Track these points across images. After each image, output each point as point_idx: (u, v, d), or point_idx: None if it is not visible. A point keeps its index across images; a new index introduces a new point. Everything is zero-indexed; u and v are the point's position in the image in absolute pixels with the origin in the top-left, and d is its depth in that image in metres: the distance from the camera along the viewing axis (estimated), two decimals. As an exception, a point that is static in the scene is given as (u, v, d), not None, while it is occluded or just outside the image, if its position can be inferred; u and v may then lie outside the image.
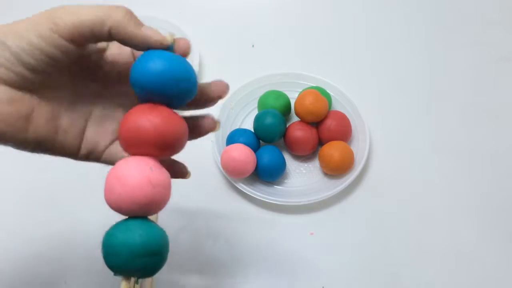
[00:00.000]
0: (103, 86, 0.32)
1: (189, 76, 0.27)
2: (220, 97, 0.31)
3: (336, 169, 0.54)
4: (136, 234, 0.25)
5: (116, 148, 0.32)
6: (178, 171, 0.34)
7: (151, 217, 0.28)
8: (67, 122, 0.30)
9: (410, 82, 0.65)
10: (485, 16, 0.73)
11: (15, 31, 0.26)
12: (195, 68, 0.64)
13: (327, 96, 0.58)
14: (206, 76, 0.66)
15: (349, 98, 0.59)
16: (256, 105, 0.60)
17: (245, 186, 0.52)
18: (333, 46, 0.70)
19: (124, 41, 0.27)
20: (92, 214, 0.53)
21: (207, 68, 0.67)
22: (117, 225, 0.26)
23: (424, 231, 0.51)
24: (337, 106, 0.60)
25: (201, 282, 0.48)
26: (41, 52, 0.26)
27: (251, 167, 0.52)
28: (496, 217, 0.52)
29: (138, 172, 0.25)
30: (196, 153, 0.55)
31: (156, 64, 0.25)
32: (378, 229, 0.52)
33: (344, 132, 0.56)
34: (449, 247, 0.50)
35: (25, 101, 0.27)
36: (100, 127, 0.32)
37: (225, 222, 0.53)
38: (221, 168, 0.53)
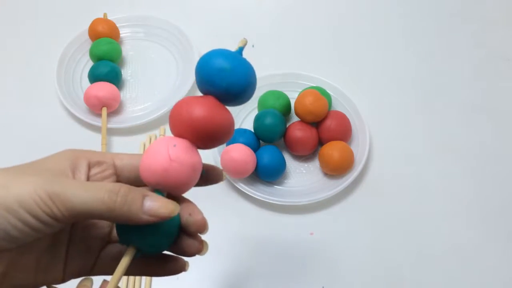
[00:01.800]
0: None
1: (251, 81, 0.28)
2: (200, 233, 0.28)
3: (336, 169, 0.54)
4: None
5: (102, 265, 0.29)
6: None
7: None
8: (45, 262, 0.27)
9: (410, 82, 0.65)
10: (485, 16, 0.73)
11: (4, 202, 0.22)
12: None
13: (327, 96, 0.58)
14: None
15: (349, 98, 0.59)
16: (256, 105, 0.60)
17: (245, 186, 0.52)
18: (333, 46, 0.70)
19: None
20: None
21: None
22: None
23: (424, 231, 0.51)
24: (337, 106, 0.60)
25: (200, 281, 0.48)
26: (28, 227, 0.23)
27: (251, 167, 0.52)
28: (496, 217, 0.52)
29: (161, 145, 0.27)
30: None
31: (224, 62, 0.27)
32: (378, 229, 0.52)
33: (344, 132, 0.56)
34: (449, 247, 0.50)
35: None
36: (81, 254, 0.29)
37: (225, 222, 0.53)
38: (221, 168, 0.53)
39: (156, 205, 0.24)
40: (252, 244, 0.51)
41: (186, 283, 0.48)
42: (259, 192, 0.52)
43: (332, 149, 0.53)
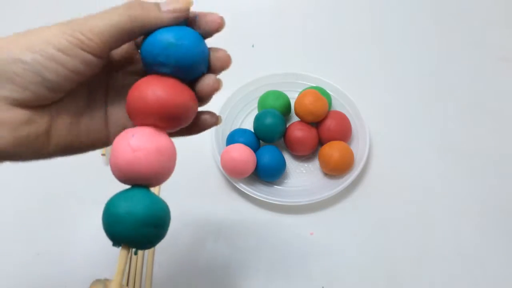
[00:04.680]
0: (112, 75, 0.30)
1: (197, 49, 0.28)
2: (223, 69, 0.30)
3: (336, 169, 0.54)
4: (140, 204, 0.25)
5: None
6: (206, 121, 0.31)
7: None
8: (88, 120, 0.28)
9: (410, 82, 0.65)
10: (485, 16, 0.73)
11: (32, 45, 0.23)
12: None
13: (327, 96, 0.58)
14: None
15: (349, 98, 0.59)
16: (256, 105, 0.60)
17: (245, 186, 0.52)
18: (333, 46, 0.70)
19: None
20: (92, 218, 0.53)
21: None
22: (120, 194, 0.26)
23: (424, 231, 0.51)
24: (337, 106, 0.60)
25: (201, 281, 0.48)
26: (64, 67, 0.23)
27: (251, 167, 0.52)
28: (497, 218, 0.52)
29: (121, 140, 0.26)
30: (196, 153, 0.56)
31: (163, 36, 0.27)
32: (378, 229, 0.52)
33: (344, 132, 0.56)
34: (449, 247, 0.50)
35: (43, 119, 0.25)
36: (121, 108, 0.30)
37: (225, 222, 0.53)
38: (221, 168, 0.53)
39: (170, 1, 0.27)
40: (252, 244, 0.51)
41: (186, 283, 0.48)
42: (259, 192, 0.52)
43: (332, 149, 0.53)
